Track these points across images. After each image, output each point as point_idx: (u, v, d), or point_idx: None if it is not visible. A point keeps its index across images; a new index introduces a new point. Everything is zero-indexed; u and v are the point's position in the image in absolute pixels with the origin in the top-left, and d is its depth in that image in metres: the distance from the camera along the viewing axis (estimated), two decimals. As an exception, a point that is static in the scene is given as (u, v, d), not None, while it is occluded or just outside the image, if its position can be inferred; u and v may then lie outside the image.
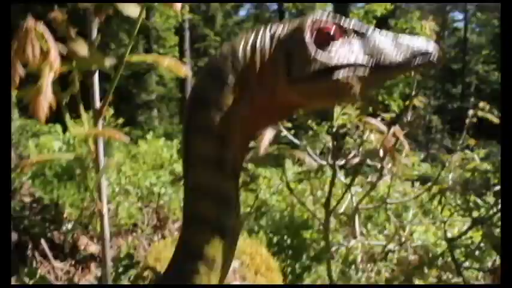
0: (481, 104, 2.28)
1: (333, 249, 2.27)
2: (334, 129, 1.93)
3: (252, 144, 1.16)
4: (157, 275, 1.42)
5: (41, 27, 0.57)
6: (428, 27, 1.94)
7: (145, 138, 4.53)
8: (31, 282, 1.47)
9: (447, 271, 2.03)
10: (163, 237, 2.65)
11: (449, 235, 2.57)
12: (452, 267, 1.98)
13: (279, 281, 1.83)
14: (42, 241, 1.96)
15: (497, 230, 1.92)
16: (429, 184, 2.76)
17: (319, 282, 2.28)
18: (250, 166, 1.74)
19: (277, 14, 18.15)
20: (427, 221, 2.91)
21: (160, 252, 1.38)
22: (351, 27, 0.52)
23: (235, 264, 1.83)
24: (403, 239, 2.54)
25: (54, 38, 0.81)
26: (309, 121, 2.22)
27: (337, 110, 1.84)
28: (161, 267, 1.47)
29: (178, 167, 3.15)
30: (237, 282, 1.60)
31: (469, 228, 1.99)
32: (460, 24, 26.91)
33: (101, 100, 0.83)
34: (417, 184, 3.93)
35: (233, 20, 20.43)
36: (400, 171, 2.09)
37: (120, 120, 3.84)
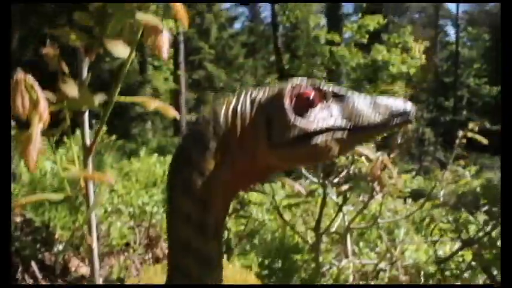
0: (471, 125, 2.32)
1: (325, 268, 2.27)
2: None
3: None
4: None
5: (30, 78, 0.58)
6: (418, 50, 1.97)
7: (139, 154, 4.54)
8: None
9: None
10: (155, 256, 2.64)
11: (441, 252, 2.59)
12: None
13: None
14: (33, 263, 1.95)
15: (491, 250, 1.94)
16: (421, 201, 2.78)
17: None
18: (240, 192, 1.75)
19: (271, 27, 18.27)
20: (419, 240, 2.93)
21: (151, 279, 1.38)
22: (330, 91, 0.53)
23: None
24: (394, 258, 2.55)
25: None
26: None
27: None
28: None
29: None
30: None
31: (459, 249, 2.01)
32: (452, 38, 27.20)
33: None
34: (409, 201, 3.95)
35: (228, 33, 20.54)
36: (391, 191, 2.11)
37: (113, 137, 3.84)
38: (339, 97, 0.53)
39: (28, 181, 2.22)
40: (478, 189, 2.21)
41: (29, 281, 1.92)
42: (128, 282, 1.94)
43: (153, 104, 0.72)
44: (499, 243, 1.89)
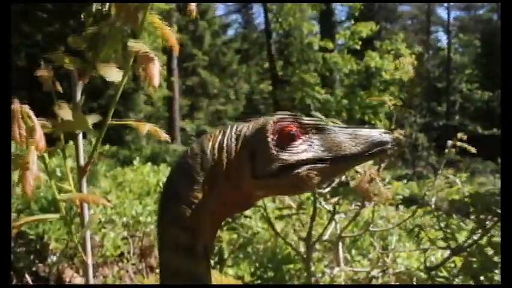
0: (459, 135, 2.36)
1: (317, 276, 2.30)
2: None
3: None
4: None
5: (27, 108, 0.61)
6: (407, 63, 2.02)
7: (132, 161, 4.55)
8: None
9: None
10: (149, 266, 2.66)
11: (433, 259, 2.62)
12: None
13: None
14: (27, 276, 1.96)
15: (479, 258, 1.97)
16: (413, 207, 2.82)
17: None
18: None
19: (264, 33, 18.34)
20: (411, 247, 2.96)
21: (144, 291, 1.40)
22: (311, 124, 0.57)
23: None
24: (386, 265, 2.58)
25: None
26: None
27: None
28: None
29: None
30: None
31: (448, 258, 2.04)
32: (444, 44, 27.45)
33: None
34: (402, 207, 3.99)
35: (221, 40, 20.61)
36: (379, 200, 2.14)
37: (107, 147, 3.86)
38: (319, 129, 0.57)
39: (21, 193, 2.23)
40: (470, 189, 2.25)
41: (23, 292, 1.93)
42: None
43: (145, 128, 0.74)
44: (486, 250, 1.92)
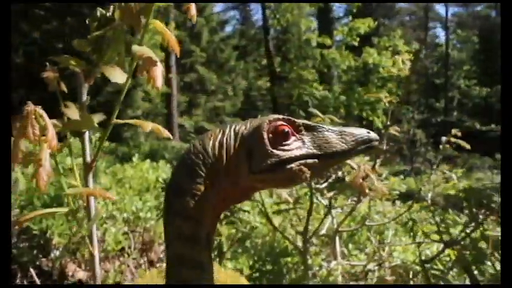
0: (454, 131, 2.41)
1: (314, 270, 2.35)
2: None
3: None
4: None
5: (40, 110, 0.65)
6: (401, 61, 2.06)
7: (131, 158, 4.58)
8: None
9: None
10: (150, 260, 2.71)
11: (428, 252, 2.67)
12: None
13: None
14: (31, 270, 2.01)
15: (472, 251, 2.02)
16: (409, 203, 2.87)
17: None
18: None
19: (262, 30, 18.35)
20: (407, 241, 3.01)
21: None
22: (302, 124, 0.63)
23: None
24: (382, 259, 2.63)
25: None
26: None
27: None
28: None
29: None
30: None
31: (442, 251, 2.09)
32: (442, 40, 27.47)
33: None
34: (398, 203, 4.04)
35: (219, 36, 20.60)
36: (375, 195, 2.18)
37: (106, 143, 3.89)
38: (311, 129, 0.63)
39: (25, 189, 2.28)
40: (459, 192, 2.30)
41: None
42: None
43: (148, 126, 0.79)
44: (480, 244, 1.97)
